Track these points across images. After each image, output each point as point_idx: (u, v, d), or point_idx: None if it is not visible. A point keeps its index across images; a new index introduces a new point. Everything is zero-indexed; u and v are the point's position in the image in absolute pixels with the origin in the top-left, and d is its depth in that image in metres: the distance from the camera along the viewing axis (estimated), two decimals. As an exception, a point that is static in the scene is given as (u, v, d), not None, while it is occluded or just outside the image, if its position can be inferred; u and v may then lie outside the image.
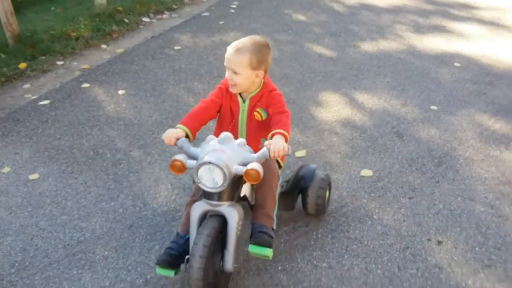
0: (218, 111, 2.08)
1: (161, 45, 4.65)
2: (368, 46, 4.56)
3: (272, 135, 1.88)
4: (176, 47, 4.58)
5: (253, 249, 1.84)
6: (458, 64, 4.16)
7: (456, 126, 3.20)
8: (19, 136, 3.18)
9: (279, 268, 2.11)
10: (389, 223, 2.37)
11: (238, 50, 1.94)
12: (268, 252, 1.85)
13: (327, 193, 2.34)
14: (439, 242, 2.24)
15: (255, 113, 2.05)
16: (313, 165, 2.33)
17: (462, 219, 2.38)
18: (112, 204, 2.55)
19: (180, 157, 1.76)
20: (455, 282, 2.03)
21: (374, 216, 2.41)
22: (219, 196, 1.79)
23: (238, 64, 1.94)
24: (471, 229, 2.31)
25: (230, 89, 2.02)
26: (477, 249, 2.20)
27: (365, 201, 2.52)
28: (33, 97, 3.68)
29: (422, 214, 2.42)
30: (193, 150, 1.84)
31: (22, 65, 4.10)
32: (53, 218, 2.46)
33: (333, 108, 3.45)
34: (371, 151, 2.94)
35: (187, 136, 1.90)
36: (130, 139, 3.13)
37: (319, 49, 4.52)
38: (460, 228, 2.32)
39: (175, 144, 1.83)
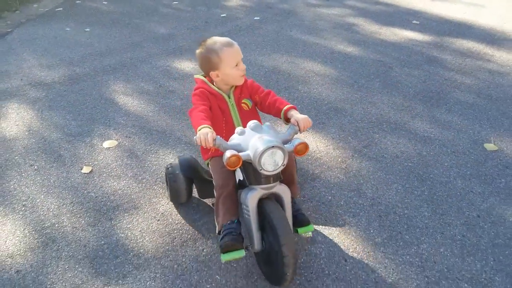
0: None
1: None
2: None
3: (286, 111, 1.98)
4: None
5: (301, 231, 2.00)
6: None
7: None
8: (63, 17, 5.51)
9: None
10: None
11: (232, 41, 2.06)
12: (312, 227, 2.03)
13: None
14: None
15: (243, 104, 2.12)
16: None
17: None
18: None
19: (233, 152, 1.74)
20: None
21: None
22: (274, 178, 1.83)
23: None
24: None
25: (239, 82, 2.09)
26: None
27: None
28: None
29: None
30: (231, 144, 1.84)
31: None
32: (122, 36, 4.97)
33: None
34: None
35: None
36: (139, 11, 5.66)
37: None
38: None
39: (213, 145, 1.78)
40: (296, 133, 1.91)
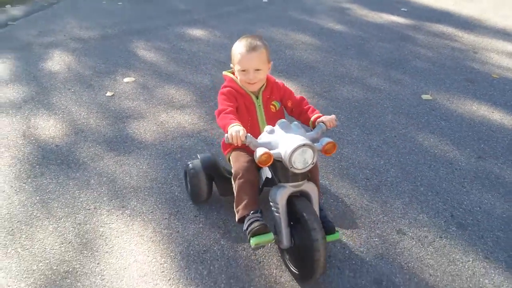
0: None
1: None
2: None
3: (316, 118, 2.08)
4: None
5: (327, 239, 1.90)
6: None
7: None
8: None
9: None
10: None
11: (255, 48, 2.03)
12: (338, 235, 2.00)
13: None
14: None
15: (271, 106, 2.20)
16: None
17: None
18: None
19: (265, 149, 1.78)
20: None
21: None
22: (302, 175, 1.87)
23: (260, 60, 2.05)
24: None
25: (251, 88, 2.13)
26: None
27: None
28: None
29: None
30: (262, 142, 1.88)
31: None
32: (148, 10, 5.92)
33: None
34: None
35: None
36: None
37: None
38: None
39: (244, 142, 1.84)
40: (323, 132, 2.00)
